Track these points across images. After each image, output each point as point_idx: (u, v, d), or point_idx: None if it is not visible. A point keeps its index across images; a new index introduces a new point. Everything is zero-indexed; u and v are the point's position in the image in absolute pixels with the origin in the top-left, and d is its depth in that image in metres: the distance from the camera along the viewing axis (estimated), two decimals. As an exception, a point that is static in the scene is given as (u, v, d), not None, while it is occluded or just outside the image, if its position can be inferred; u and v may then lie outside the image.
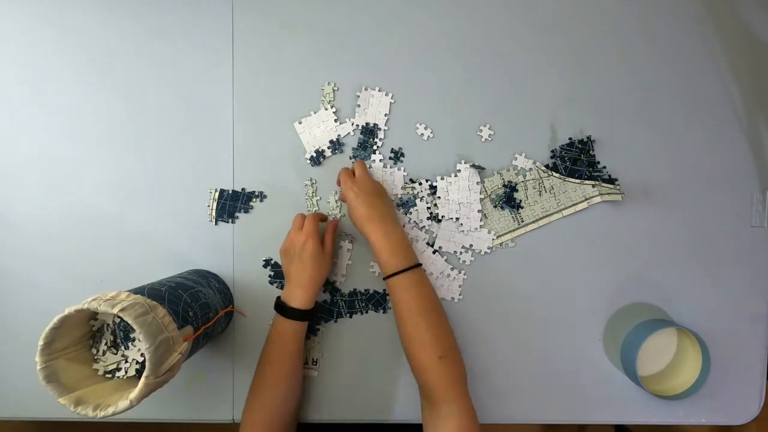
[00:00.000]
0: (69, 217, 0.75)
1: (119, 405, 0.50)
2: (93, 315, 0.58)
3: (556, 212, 0.74)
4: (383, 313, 0.75)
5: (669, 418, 0.76)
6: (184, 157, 0.75)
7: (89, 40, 0.75)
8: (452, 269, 0.75)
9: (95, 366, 0.58)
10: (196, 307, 0.62)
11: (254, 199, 0.75)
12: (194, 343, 0.59)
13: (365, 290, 0.75)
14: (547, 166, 0.75)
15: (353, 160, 0.75)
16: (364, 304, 0.75)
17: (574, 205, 0.74)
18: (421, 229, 0.75)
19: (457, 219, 0.74)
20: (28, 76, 0.75)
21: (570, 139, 0.75)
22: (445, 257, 0.75)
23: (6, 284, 0.76)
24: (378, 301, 0.75)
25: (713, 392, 0.72)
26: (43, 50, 0.75)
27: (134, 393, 0.50)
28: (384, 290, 0.75)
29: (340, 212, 0.75)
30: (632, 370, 0.68)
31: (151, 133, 0.75)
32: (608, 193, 0.72)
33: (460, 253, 0.75)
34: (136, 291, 0.57)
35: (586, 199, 0.74)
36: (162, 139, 0.75)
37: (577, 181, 0.74)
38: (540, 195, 0.74)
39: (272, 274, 0.75)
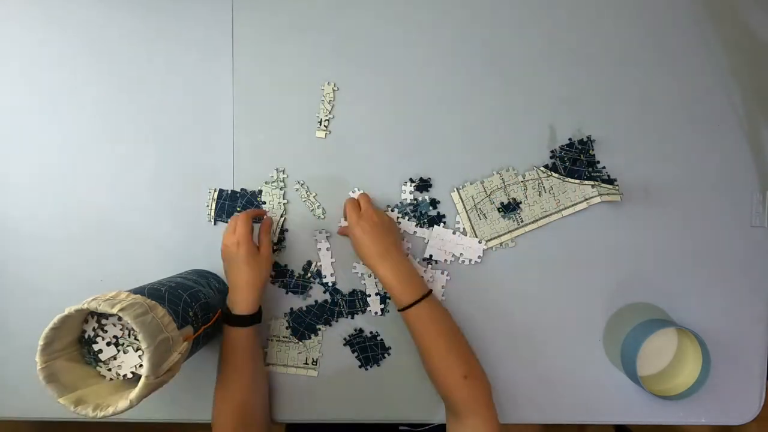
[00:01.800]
0: (69, 216, 0.75)
1: (119, 405, 0.50)
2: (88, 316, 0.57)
3: (556, 212, 0.74)
4: (382, 315, 0.75)
5: (669, 418, 0.76)
6: (184, 157, 0.75)
7: (89, 40, 0.75)
8: (444, 272, 0.75)
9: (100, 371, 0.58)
10: (196, 307, 0.62)
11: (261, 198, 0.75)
12: (194, 343, 0.59)
13: (364, 291, 0.75)
14: (546, 167, 0.75)
15: (357, 191, 0.75)
16: (363, 303, 0.75)
17: (573, 205, 0.74)
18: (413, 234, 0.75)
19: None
20: (27, 75, 0.75)
21: (570, 139, 0.75)
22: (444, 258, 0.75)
23: (6, 284, 0.76)
24: (381, 299, 0.75)
25: (713, 392, 0.72)
26: (43, 50, 0.75)
27: (134, 393, 0.50)
28: (385, 292, 0.75)
29: (283, 214, 0.75)
30: (632, 370, 0.68)
31: (151, 133, 0.75)
32: (607, 194, 0.72)
33: (450, 261, 0.75)
34: (136, 291, 0.57)
35: (586, 200, 0.74)
36: (162, 138, 0.75)
37: (577, 181, 0.74)
38: (540, 195, 0.74)
39: (273, 274, 0.75)
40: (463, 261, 0.75)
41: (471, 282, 0.75)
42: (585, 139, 0.75)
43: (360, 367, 0.75)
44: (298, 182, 0.75)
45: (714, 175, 0.75)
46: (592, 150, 0.75)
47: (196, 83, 0.75)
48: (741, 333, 0.75)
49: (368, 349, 0.75)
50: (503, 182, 0.75)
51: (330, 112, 0.75)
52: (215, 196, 0.75)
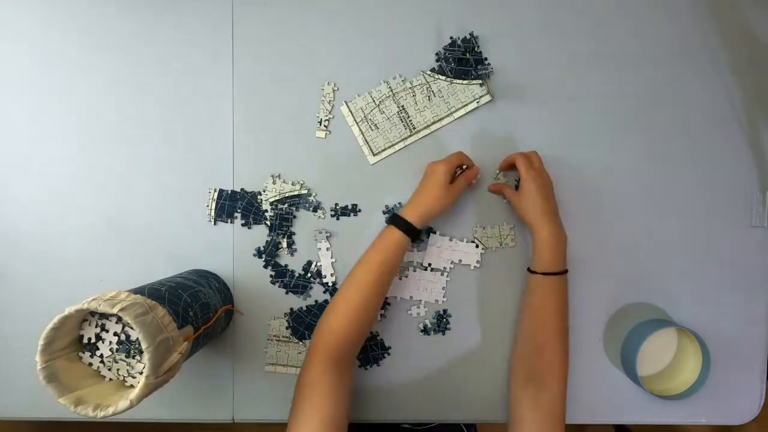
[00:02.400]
0: (69, 217, 0.75)
1: (119, 405, 0.50)
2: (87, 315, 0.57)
3: (447, 116, 0.74)
4: (379, 320, 0.75)
5: (669, 418, 0.76)
6: (184, 157, 0.75)
7: (89, 40, 0.75)
8: (442, 275, 0.75)
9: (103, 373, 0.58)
10: (197, 307, 0.62)
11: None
12: (194, 343, 0.59)
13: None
14: (433, 70, 0.74)
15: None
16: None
17: (463, 106, 0.74)
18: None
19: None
20: (28, 75, 0.75)
21: (451, 38, 0.74)
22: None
23: (6, 284, 0.76)
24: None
25: (713, 392, 0.72)
26: (43, 50, 0.75)
27: (134, 393, 0.50)
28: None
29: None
30: (632, 370, 0.68)
31: (151, 133, 0.75)
32: (481, 95, 0.72)
33: (449, 269, 0.75)
34: (136, 291, 0.57)
35: (475, 99, 0.73)
36: (162, 138, 0.75)
37: (465, 82, 0.74)
38: (429, 100, 0.74)
39: (273, 274, 0.75)
40: (462, 267, 0.75)
41: (471, 282, 0.75)
42: (468, 37, 0.74)
43: (360, 366, 0.75)
44: (298, 182, 0.75)
45: (714, 175, 0.75)
46: (478, 47, 0.74)
47: (197, 83, 0.75)
48: (741, 333, 0.75)
49: (368, 349, 0.75)
50: (391, 90, 0.74)
51: (330, 112, 0.75)
52: (215, 196, 0.75)
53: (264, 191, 0.75)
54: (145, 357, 0.50)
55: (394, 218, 0.67)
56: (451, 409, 0.76)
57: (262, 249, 0.75)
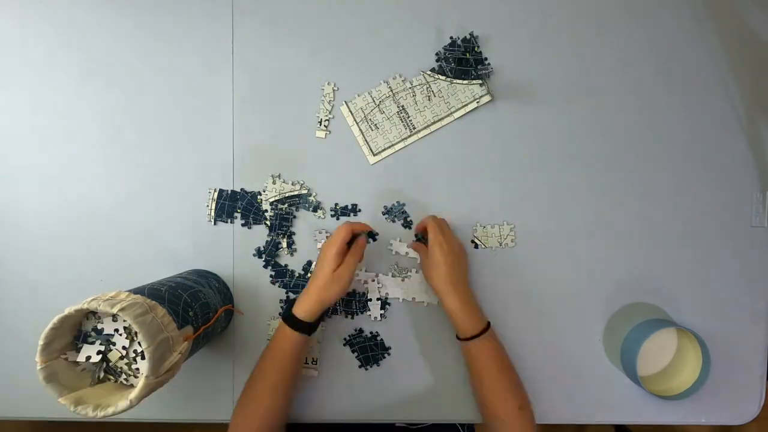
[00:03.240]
0: (69, 217, 0.75)
1: (119, 405, 0.50)
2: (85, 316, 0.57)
3: (447, 116, 0.74)
4: (380, 320, 0.75)
5: (669, 418, 0.76)
6: (185, 158, 0.75)
7: (89, 41, 0.75)
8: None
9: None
10: (196, 307, 0.62)
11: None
12: (194, 342, 0.59)
13: (364, 293, 0.76)
14: (433, 70, 0.74)
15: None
16: (361, 305, 0.75)
17: (463, 106, 0.74)
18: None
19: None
20: (28, 76, 0.75)
21: (451, 38, 0.74)
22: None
23: (6, 284, 0.76)
24: (381, 304, 0.75)
25: (713, 392, 0.72)
26: (43, 51, 0.75)
27: (134, 393, 0.50)
28: (386, 298, 0.75)
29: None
30: (632, 370, 0.68)
31: (152, 134, 0.75)
32: (481, 95, 0.72)
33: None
34: (136, 291, 0.57)
35: (475, 99, 0.73)
36: (162, 139, 0.75)
37: (465, 82, 0.73)
38: (429, 100, 0.74)
39: (273, 274, 0.75)
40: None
41: (470, 282, 0.75)
42: (468, 37, 0.74)
43: (360, 367, 0.75)
44: (298, 182, 0.75)
45: (714, 175, 0.75)
46: (478, 47, 0.74)
47: (197, 84, 0.75)
48: (741, 333, 0.75)
49: (368, 349, 0.75)
50: (391, 90, 0.74)
51: (330, 112, 0.75)
52: (215, 196, 0.75)
53: (264, 191, 0.75)
54: (146, 357, 0.50)
55: (286, 317, 0.65)
56: (449, 410, 0.76)
57: (262, 249, 0.75)
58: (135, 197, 0.75)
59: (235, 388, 0.75)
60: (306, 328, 0.65)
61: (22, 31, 0.75)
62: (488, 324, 0.69)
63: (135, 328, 0.50)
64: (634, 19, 0.75)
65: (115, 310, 0.50)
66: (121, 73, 0.75)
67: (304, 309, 0.65)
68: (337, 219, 0.75)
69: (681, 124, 0.75)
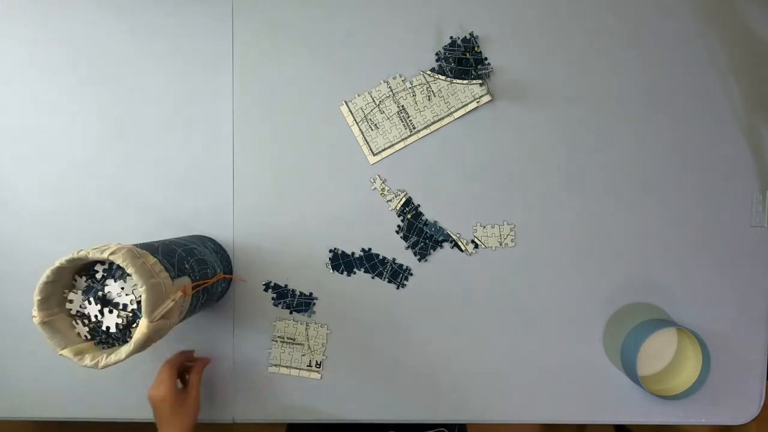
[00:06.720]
0: (68, 217, 0.75)
1: (122, 351, 0.50)
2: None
3: (447, 116, 0.74)
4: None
5: (669, 418, 0.76)
6: (184, 158, 0.75)
7: (89, 42, 0.75)
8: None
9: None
10: (192, 261, 0.61)
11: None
12: (194, 300, 0.59)
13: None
14: (432, 70, 0.74)
15: None
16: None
17: (463, 106, 0.73)
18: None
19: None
20: (28, 76, 0.75)
21: (451, 38, 0.74)
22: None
23: (5, 284, 0.76)
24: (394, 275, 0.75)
25: (713, 392, 0.72)
26: (43, 52, 0.75)
27: (136, 335, 0.50)
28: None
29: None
30: (632, 370, 0.68)
31: (151, 138, 0.75)
32: (481, 95, 0.72)
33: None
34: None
35: (475, 99, 0.73)
36: (162, 141, 0.75)
37: (465, 81, 0.73)
38: (429, 100, 0.74)
39: (274, 296, 0.75)
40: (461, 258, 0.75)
41: (470, 282, 0.75)
42: (468, 37, 0.74)
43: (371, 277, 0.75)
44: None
45: (714, 175, 0.75)
46: (478, 47, 0.74)
47: (197, 88, 0.75)
48: (741, 333, 0.75)
49: (378, 266, 0.75)
50: (391, 90, 0.74)
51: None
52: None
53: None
54: (142, 297, 0.50)
55: None
56: (442, 409, 0.76)
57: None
58: (135, 197, 0.75)
59: (235, 388, 0.75)
60: None
61: (22, 32, 0.75)
62: None
63: (128, 269, 0.50)
64: (634, 19, 0.75)
65: (105, 255, 0.50)
66: (121, 76, 0.75)
67: None
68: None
69: (681, 123, 0.75)
